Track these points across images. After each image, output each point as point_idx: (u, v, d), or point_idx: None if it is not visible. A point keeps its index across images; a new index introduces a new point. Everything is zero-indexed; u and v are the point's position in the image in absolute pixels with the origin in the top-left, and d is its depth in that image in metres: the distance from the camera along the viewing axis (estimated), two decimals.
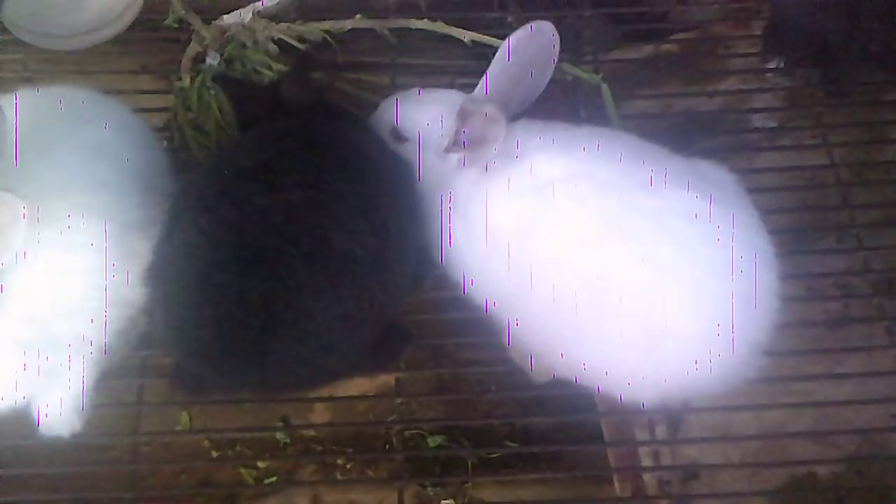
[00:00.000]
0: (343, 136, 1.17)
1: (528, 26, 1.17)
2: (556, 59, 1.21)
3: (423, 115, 1.23)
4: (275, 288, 1.02)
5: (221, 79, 1.41)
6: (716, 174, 1.15)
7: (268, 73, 1.53)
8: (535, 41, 1.18)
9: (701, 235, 1.06)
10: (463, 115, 1.15)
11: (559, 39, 1.20)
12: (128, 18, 1.59)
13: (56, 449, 1.34)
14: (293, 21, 1.60)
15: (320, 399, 1.29)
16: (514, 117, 1.20)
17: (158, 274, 1.08)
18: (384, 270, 1.09)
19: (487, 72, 1.18)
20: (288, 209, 1.04)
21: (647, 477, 1.31)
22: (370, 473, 1.48)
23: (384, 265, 1.09)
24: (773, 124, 1.58)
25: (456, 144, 1.17)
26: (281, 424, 1.48)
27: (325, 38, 1.57)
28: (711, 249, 1.05)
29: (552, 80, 1.34)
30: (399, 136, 1.24)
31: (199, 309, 1.03)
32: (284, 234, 1.03)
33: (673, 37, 1.69)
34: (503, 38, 1.45)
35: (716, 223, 1.06)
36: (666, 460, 1.33)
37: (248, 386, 1.13)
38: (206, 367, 1.08)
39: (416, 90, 1.28)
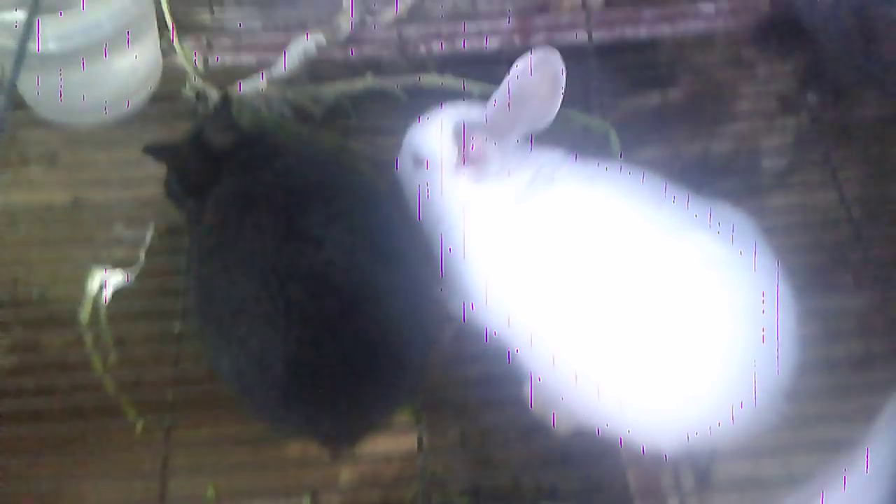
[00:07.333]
0: (308, 171, 1.17)
1: (528, 55, 1.15)
2: (562, 85, 1.19)
3: (433, 136, 1.23)
4: (339, 334, 1.04)
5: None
6: (734, 217, 1.14)
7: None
8: (539, 69, 1.16)
9: (721, 279, 1.06)
10: (457, 136, 1.17)
11: (564, 65, 1.17)
12: (146, 92, 1.63)
13: None
14: (305, 84, 1.64)
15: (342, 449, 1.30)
16: (527, 139, 1.20)
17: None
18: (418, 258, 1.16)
19: (493, 96, 1.17)
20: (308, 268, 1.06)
21: None
22: None
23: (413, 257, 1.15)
24: (782, 164, 1.59)
25: (461, 162, 1.19)
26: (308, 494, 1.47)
27: (338, 101, 1.62)
28: (731, 293, 1.05)
29: (562, 127, 1.35)
30: (418, 161, 1.24)
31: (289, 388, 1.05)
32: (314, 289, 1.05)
33: (679, 83, 1.71)
34: None
35: (735, 267, 1.07)
36: None
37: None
38: (315, 431, 1.14)
39: (435, 111, 1.26)
